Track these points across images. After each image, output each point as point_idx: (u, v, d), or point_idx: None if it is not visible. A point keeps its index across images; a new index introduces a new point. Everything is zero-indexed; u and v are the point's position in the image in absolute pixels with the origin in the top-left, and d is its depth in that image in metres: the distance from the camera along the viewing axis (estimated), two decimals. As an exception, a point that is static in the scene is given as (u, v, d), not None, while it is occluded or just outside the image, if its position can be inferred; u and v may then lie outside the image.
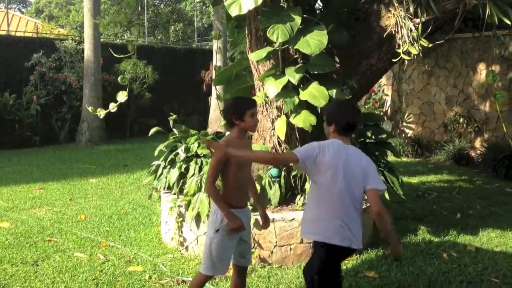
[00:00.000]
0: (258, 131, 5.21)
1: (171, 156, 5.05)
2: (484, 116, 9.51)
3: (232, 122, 2.96)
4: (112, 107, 5.10)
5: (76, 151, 10.89)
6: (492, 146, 8.56)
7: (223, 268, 3.01)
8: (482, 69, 9.51)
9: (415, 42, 4.20)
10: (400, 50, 4.35)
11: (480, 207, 6.10)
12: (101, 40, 12.87)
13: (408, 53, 4.29)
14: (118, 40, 17.72)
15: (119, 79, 5.24)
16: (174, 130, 5.27)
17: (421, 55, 4.30)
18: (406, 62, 9.99)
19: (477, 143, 9.61)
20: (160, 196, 5.05)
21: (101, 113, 5.19)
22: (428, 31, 4.25)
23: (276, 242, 4.23)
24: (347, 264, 4.17)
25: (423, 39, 4.18)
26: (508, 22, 4.02)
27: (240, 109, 2.93)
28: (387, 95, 11.23)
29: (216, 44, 11.90)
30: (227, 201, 2.92)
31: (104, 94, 11.90)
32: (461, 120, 9.79)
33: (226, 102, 3.68)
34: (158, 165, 5.13)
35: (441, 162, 9.35)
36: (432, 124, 10.50)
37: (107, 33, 18.88)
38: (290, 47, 4.43)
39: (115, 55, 5.34)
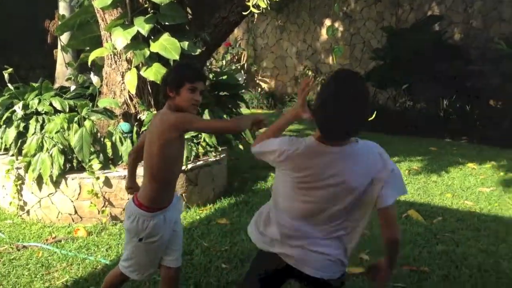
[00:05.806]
0: (107, 85, 4.93)
1: (7, 114, 4.54)
2: (329, 70, 10.27)
3: (165, 93, 2.30)
4: None
5: None
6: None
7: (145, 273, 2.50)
8: (328, 24, 10.17)
9: (263, -5, 4.26)
10: (250, 3, 4.39)
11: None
12: None
13: (257, 6, 4.36)
14: None
15: None
16: (9, 85, 4.72)
17: (269, 8, 4.39)
18: (256, 15, 10.22)
19: (324, 95, 10.41)
20: (-4, 159, 4.54)
21: None
22: (275, -16, 4.34)
23: (128, 199, 4.13)
24: (201, 214, 4.27)
25: (270, -7, 4.26)
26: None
27: (179, 78, 2.28)
28: (243, 49, 11.45)
29: (59, -10, 10.76)
30: (151, 204, 2.35)
31: None
32: (310, 73, 10.46)
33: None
34: (-8, 125, 4.59)
35: (292, 114, 9.95)
36: (285, 78, 11.05)
37: None
38: (138, -5, 4.21)
39: None
